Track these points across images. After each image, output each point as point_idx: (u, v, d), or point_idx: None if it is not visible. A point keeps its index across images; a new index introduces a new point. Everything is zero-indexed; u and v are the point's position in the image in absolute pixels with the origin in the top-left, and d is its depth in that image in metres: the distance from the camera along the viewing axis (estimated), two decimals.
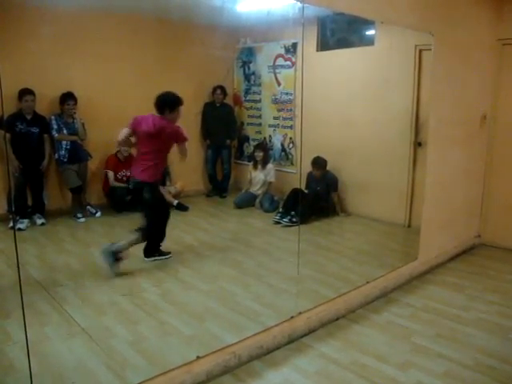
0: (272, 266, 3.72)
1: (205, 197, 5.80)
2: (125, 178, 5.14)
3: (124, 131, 3.54)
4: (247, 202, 5.43)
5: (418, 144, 4.02)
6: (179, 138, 3.54)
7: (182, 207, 5.22)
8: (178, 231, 4.60)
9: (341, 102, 4.92)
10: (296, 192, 4.59)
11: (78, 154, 4.71)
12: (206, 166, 5.91)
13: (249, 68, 5.97)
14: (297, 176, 5.14)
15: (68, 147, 4.64)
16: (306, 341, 2.76)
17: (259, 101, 5.89)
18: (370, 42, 4.59)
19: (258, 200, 5.38)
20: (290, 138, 5.58)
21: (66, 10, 4.32)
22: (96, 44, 4.69)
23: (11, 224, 3.85)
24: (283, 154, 5.69)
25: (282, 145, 5.68)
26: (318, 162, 4.89)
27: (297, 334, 2.78)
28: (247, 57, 5.96)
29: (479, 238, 4.68)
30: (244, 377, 2.39)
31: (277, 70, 5.59)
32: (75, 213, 4.67)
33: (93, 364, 2.31)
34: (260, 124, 5.95)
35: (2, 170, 4.24)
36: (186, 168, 5.58)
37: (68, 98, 4.55)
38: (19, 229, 4.13)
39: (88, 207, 4.84)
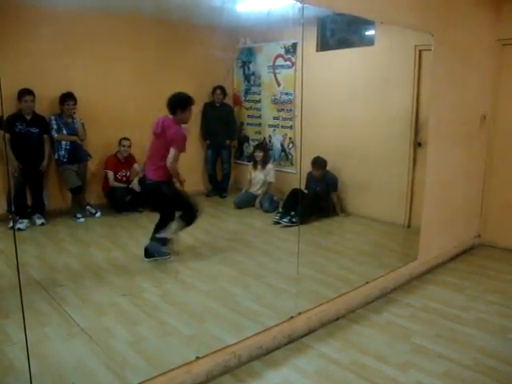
0: (272, 266, 3.72)
1: (205, 197, 5.79)
2: (124, 179, 5.14)
3: (176, 155, 3.56)
4: (247, 202, 5.43)
5: (417, 144, 4.02)
6: (172, 143, 3.52)
7: None
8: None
9: (341, 102, 4.93)
10: (296, 192, 4.59)
11: (77, 154, 4.71)
12: (206, 166, 5.91)
13: (249, 68, 5.97)
14: (296, 176, 5.14)
15: (68, 147, 4.64)
16: (305, 341, 2.76)
17: (259, 101, 5.89)
18: (369, 42, 4.59)
19: (257, 200, 5.38)
20: (290, 138, 5.58)
21: (65, 10, 4.32)
22: (96, 44, 4.69)
23: (11, 224, 3.85)
24: (283, 154, 5.69)
25: (282, 145, 5.68)
26: (318, 162, 4.89)
27: (297, 334, 2.78)
28: (247, 57, 5.96)
29: (479, 238, 4.68)
30: (244, 377, 2.39)
31: (277, 71, 5.59)
32: (75, 213, 4.67)
33: (93, 364, 2.31)
34: (260, 124, 5.95)
35: (2, 170, 4.24)
36: (186, 168, 5.57)
37: (68, 98, 4.55)
38: (19, 229, 4.13)
39: (88, 207, 4.83)
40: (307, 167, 4.88)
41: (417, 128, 4.03)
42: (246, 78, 6.01)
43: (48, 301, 2.94)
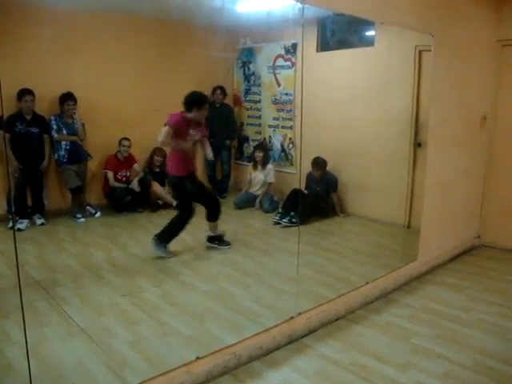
0: (272, 267, 3.72)
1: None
2: (124, 179, 5.14)
3: (166, 130, 3.61)
4: (247, 203, 5.43)
5: (417, 144, 4.02)
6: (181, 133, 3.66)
7: None
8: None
9: (341, 102, 4.93)
10: (296, 192, 4.59)
11: (77, 155, 4.71)
12: (206, 166, 5.91)
13: (249, 68, 5.97)
14: (296, 176, 5.13)
15: (68, 147, 4.64)
16: (305, 341, 2.76)
17: (259, 101, 5.89)
18: (369, 42, 4.60)
19: (257, 200, 5.38)
20: (290, 139, 5.58)
21: (65, 10, 4.32)
22: (96, 44, 4.69)
23: (11, 224, 3.85)
24: (283, 154, 5.69)
25: (282, 145, 5.69)
26: (318, 163, 4.88)
27: (296, 335, 2.77)
28: (247, 57, 5.96)
29: (479, 238, 4.68)
30: (244, 377, 2.39)
31: (277, 71, 5.59)
32: (75, 213, 4.67)
33: (92, 364, 2.31)
34: (260, 124, 5.95)
35: (2, 170, 4.23)
36: None
37: (68, 98, 4.55)
38: (19, 229, 4.13)
39: (88, 207, 4.83)
40: (307, 167, 4.88)
41: (417, 128, 4.03)
42: (246, 78, 6.01)
43: (48, 301, 2.94)
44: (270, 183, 5.41)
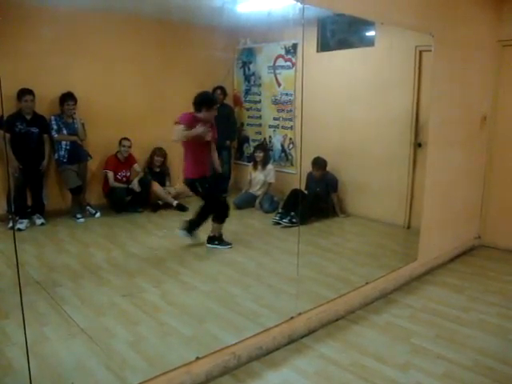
0: (272, 267, 3.72)
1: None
2: (124, 179, 5.14)
3: (179, 127, 3.63)
4: (247, 203, 5.43)
5: (417, 145, 4.02)
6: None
7: (181, 208, 5.21)
8: (177, 232, 4.60)
9: (341, 102, 4.93)
10: (296, 193, 4.59)
11: (77, 155, 4.71)
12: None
13: (249, 69, 5.97)
14: (296, 177, 5.13)
15: (68, 147, 4.64)
16: (305, 341, 2.76)
17: (259, 101, 5.89)
18: (370, 42, 4.59)
19: (257, 201, 5.38)
20: (290, 139, 5.58)
21: (65, 10, 4.32)
22: (96, 44, 4.69)
23: (11, 224, 3.85)
24: (283, 154, 5.69)
25: (282, 145, 5.68)
26: (318, 163, 4.88)
27: (296, 335, 2.77)
28: (247, 57, 5.96)
29: (479, 239, 4.68)
30: (243, 377, 2.39)
31: (277, 71, 5.59)
32: (75, 213, 4.67)
33: (92, 364, 2.31)
34: (260, 125, 5.95)
35: (2, 170, 4.23)
36: None
37: (68, 98, 4.55)
38: (19, 229, 4.13)
39: (87, 207, 4.83)
40: (307, 168, 4.88)
41: (417, 129, 4.03)
42: (247, 78, 6.01)
43: (47, 301, 2.94)
44: (270, 183, 5.41)
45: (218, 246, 4.01)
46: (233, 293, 3.19)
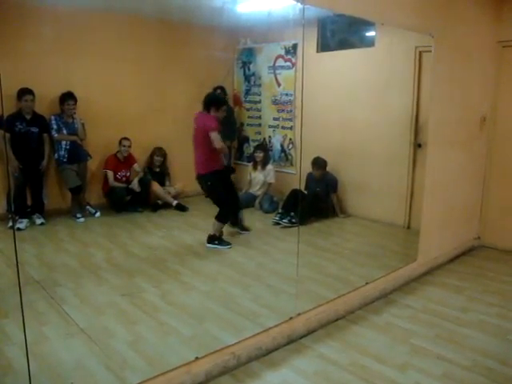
0: (271, 267, 3.72)
1: (204, 197, 5.78)
2: (124, 179, 5.14)
3: (219, 136, 3.86)
4: (247, 203, 5.41)
5: (417, 145, 4.02)
6: (206, 128, 3.82)
7: (181, 208, 5.22)
8: (177, 232, 4.61)
9: (341, 102, 4.93)
10: (295, 193, 4.59)
11: (77, 154, 4.71)
12: None
13: (249, 69, 5.97)
14: (296, 177, 5.13)
15: (68, 147, 4.64)
16: (305, 342, 2.76)
17: (259, 101, 5.89)
18: (370, 43, 4.60)
19: (257, 201, 5.38)
20: (290, 139, 5.58)
21: (66, 9, 4.32)
22: (96, 44, 4.69)
23: (10, 224, 3.85)
24: (283, 154, 5.69)
25: (282, 146, 5.69)
26: (318, 163, 4.89)
27: (296, 335, 2.77)
28: (247, 57, 5.96)
29: (479, 239, 4.68)
30: (243, 377, 2.39)
31: (277, 71, 5.59)
32: (74, 213, 4.67)
33: (92, 364, 2.31)
34: (260, 125, 5.95)
35: (2, 169, 4.23)
36: (186, 169, 5.58)
37: (68, 97, 4.55)
38: (18, 228, 4.13)
39: (87, 207, 4.83)
40: (307, 168, 4.88)
41: (417, 129, 4.03)
42: (247, 78, 6.01)
43: (47, 300, 2.94)
44: (270, 183, 5.41)
45: (218, 246, 4.01)
46: (232, 293, 3.19)
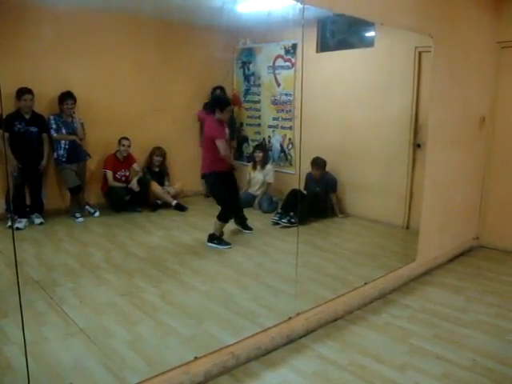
0: (270, 267, 3.72)
1: (203, 197, 5.79)
2: (123, 178, 5.14)
3: (225, 143, 3.98)
4: (246, 203, 5.41)
5: (417, 145, 4.03)
6: (212, 136, 3.94)
7: (180, 207, 5.22)
8: (176, 231, 4.61)
9: (340, 103, 4.93)
10: (295, 193, 4.59)
11: (76, 154, 4.71)
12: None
13: (248, 69, 5.97)
14: (296, 177, 5.14)
15: (67, 147, 4.64)
16: (304, 341, 2.76)
17: (258, 101, 5.89)
18: (369, 43, 4.60)
19: (256, 200, 5.38)
20: (289, 139, 5.58)
21: (65, 9, 4.32)
22: (95, 44, 4.69)
23: (9, 223, 3.84)
24: (282, 154, 5.69)
25: (281, 145, 5.69)
26: (318, 163, 4.89)
27: (295, 335, 2.78)
28: (247, 57, 5.96)
29: (477, 239, 4.69)
30: (242, 377, 2.39)
31: (276, 71, 5.59)
32: (74, 212, 4.67)
33: (91, 364, 2.31)
34: (259, 125, 5.95)
35: (1, 169, 4.23)
36: (185, 168, 5.59)
37: (67, 97, 4.55)
38: (17, 228, 4.12)
39: (86, 207, 4.83)
40: (306, 168, 4.88)
41: (416, 129, 4.03)
42: (246, 78, 6.01)
43: (46, 300, 2.94)
44: (269, 183, 5.41)
45: (218, 246, 4.01)
46: (232, 293, 3.19)
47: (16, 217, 4.20)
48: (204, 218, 5.06)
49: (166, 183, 5.51)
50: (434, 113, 3.71)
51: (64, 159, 4.63)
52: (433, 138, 3.74)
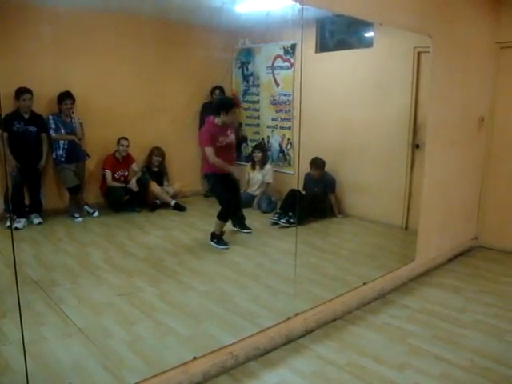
0: (269, 267, 3.72)
1: (202, 197, 5.79)
2: (122, 178, 5.14)
3: (211, 150, 3.91)
4: (245, 203, 5.40)
5: (415, 146, 4.03)
6: (199, 141, 4.04)
7: (179, 207, 5.22)
8: (175, 231, 4.61)
9: (339, 103, 4.93)
10: (294, 193, 4.59)
11: (75, 154, 4.70)
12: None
13: (247, 69, 5.97)
14: (294, 177, 5.14)
15: (66, 147, 4.64)
16: (302, 342, 2.76)
17: (257, 102, 5.89)
18: (368, 43, 4.60)
19: (255, 201, 5.38)
20: (288, 139, 5.58)
21: (65, 9, 4.31)
22: (95, 44, 4.69)
23: (8, 223, 3.83)
24: (281, 154, 5.69)
25: (280, 146, 5.69)
26: (317, 163, 4.89)
27: (294, 335, 2.78)
28: (246, 57, 5.96)
29: (476, 240, 4.69)
30: (241, 377, 2.39)
31: (275, 71, 5.59)
32: (72, 212, 4.66)
33: (89, 364, 2.30)
34: (258, 125, 5.95)
35: (0, 169, 4.23)
36: (184, 168, 5.59)
37: (66, 97, 4.55)
38: (16, 228, 4.12)
39: (85, 207, 4.83)
40: (305, 168, 4.88)
41: (415, 130, 4.03)
42: (245, 78, 6.01)
43: (45, 300, 2.93)
44: (268, 183, 5.41)
45: (216, 245, 4.02)
46: (230, 293, 3.19)
47: (15, 217, 4.20)
48: (203, 218, 5.06)
49: (165, 183, 5.51)
50: (433, 113, 3.71)
51: (63, 159, 4.63)
52: (432, 138, 3.75)
